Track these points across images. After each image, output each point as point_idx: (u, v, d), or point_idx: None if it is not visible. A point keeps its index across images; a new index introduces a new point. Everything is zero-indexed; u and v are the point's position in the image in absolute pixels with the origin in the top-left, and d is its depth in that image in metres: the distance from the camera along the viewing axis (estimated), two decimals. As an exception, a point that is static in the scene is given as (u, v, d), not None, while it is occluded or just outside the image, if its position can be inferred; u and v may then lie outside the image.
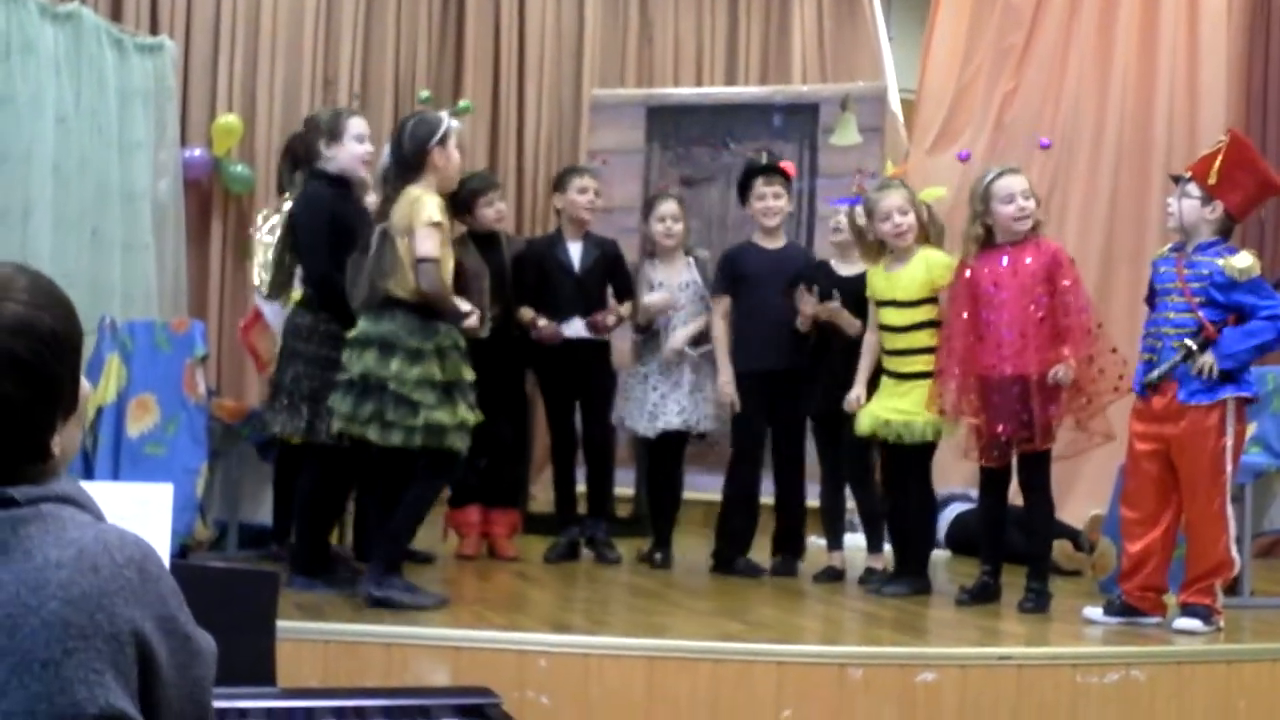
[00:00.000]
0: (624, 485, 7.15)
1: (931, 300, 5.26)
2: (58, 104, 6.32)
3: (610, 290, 6.18)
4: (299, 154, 5.32)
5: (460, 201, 6.01)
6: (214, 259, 7.95)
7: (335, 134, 5.06)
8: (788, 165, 6.21)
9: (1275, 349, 4.76)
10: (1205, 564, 4.66)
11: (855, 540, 5.95)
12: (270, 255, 5.42)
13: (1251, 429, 5.60)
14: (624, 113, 8.09)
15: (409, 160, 4.66)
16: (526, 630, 4.24)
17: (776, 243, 5.99)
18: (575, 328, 6.02)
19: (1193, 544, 4.71)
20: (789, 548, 5.96)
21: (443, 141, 4.68)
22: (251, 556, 5.61)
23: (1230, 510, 4.70)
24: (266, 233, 5.65)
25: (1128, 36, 7.81)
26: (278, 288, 5.28)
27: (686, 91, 8.45)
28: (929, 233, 5.37)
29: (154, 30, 7.68)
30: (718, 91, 8.42)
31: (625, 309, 6.10)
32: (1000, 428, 4.98)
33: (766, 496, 6.07)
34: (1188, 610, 4.62)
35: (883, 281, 5.36)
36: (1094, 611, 4.79)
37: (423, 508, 4.77)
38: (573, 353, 6.03)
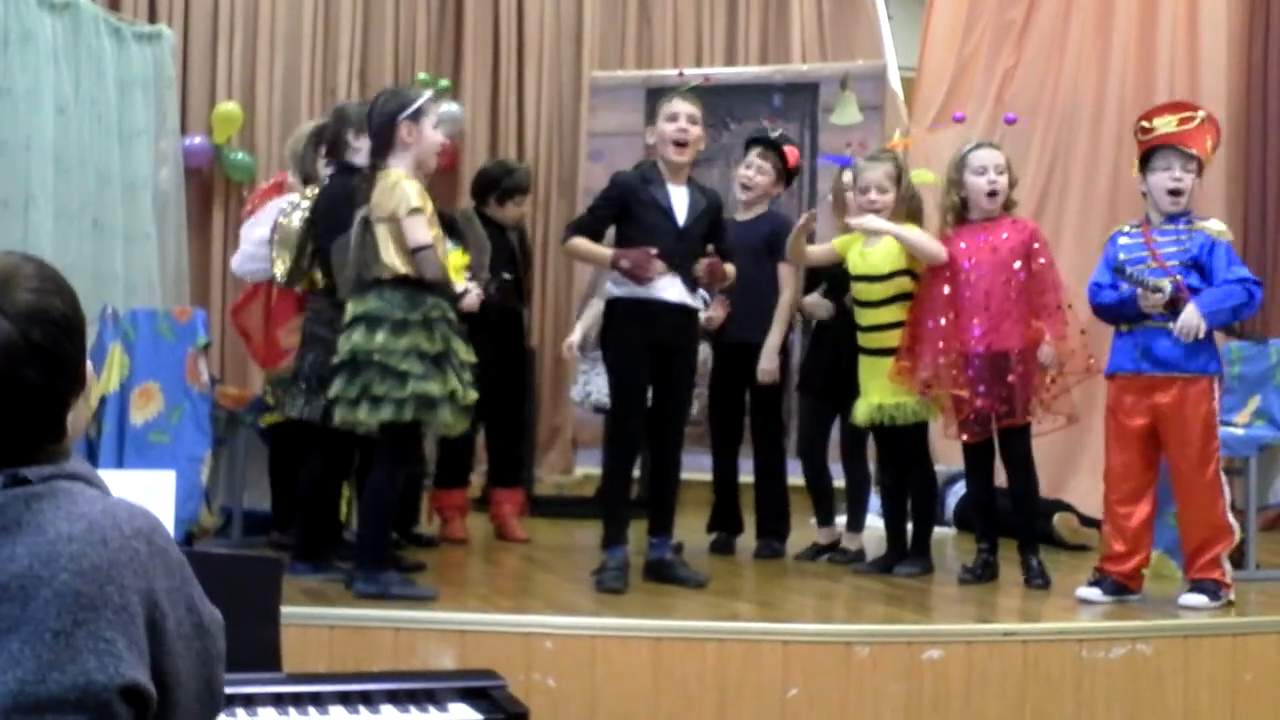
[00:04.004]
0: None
1: (905, 273, 5.23)
2: (57, 94, 6.32)
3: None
4: (327, 143, 5.25)
5: (496, 193, 6.02)
6: (215, 247, 7.95)
7: (364, 126, 5.03)
8: (791, 150, 6.02)
9: (1246, 314, 4.77)
10: (1203, 533, 4.64)
11: (871, 520, 5.92)
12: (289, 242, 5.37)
13: (1255, 401, 5.62)
14: (624, 95, 8.08)
15: (377, 133, 4.59)
16: (532, 613, 4.25)
17: (750, 214, 5.83)
18: (671, 288, 4.91)
19: (1189, 515, 4.69)
20: (772, 530, 5.88)
21: (414, 117, 4.56)
22: (256, 543, 5.62)
23: (1224, 477, 4.70)
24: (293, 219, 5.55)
25: (1127, 11, 7.78)
26: (297, 275, 5.25)
27: (686, 72, 8.41)
28: (907, 209, 5.32)
29: (152, 19, 7.68)
30: (717, 72, 8.39)
31: (731, 267, 5.13)
32: (980, 402, 5.00)
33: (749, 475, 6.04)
34: (1195, 586, 4.61)
35: (858, 256, 5.34)
36: (1090, 591, 4.74)
37: (389, 497, 4.61)
38: (663, 318, 4.92)
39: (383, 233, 4.48)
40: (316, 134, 5.39)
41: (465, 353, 4.59)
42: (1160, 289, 4.55)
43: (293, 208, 5.35)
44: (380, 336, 4.42)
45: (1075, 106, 7.82)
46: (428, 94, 4.75)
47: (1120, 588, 4.71)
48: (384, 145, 4.57)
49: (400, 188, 4.47)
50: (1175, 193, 4.69)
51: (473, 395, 4.60)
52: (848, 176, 5.56)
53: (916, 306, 5.17)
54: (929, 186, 5.62)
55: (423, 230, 4.46)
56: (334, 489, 5.18)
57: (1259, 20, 7.79)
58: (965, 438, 5.14)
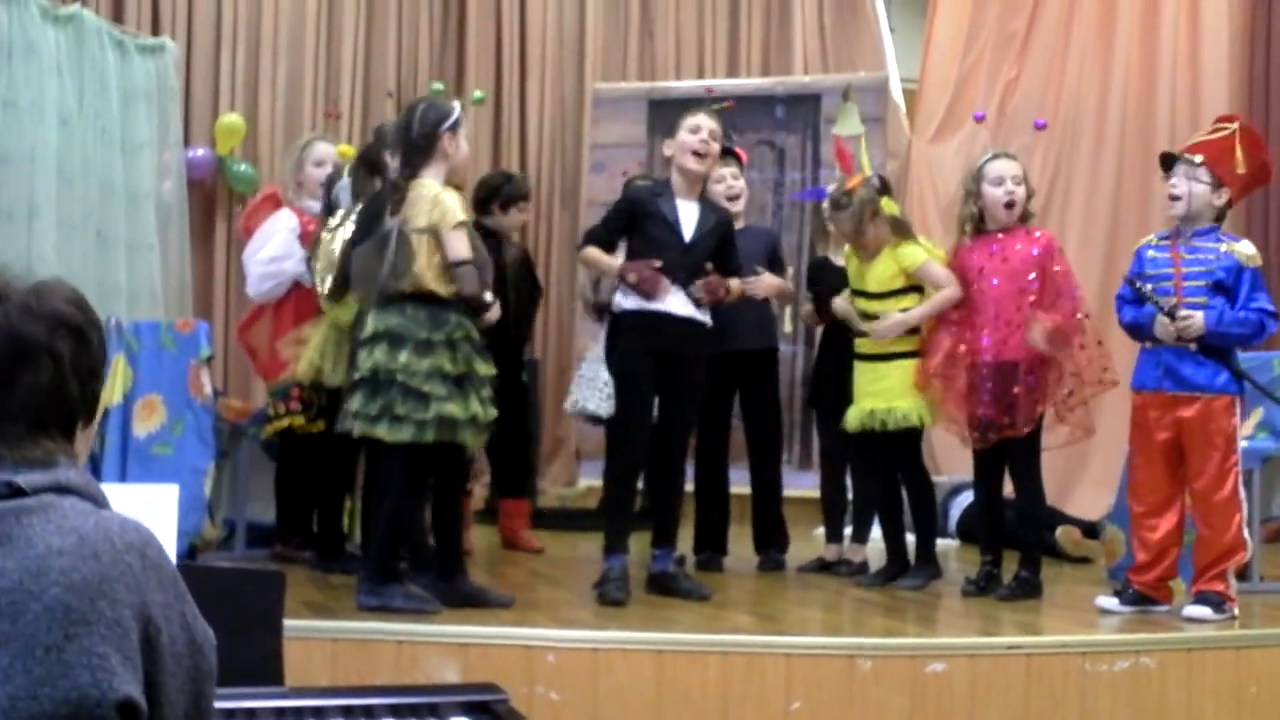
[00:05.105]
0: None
1: (903, 291, 5.23)
2: (60, 106, 6.33)
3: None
4: (373, 164, 5.26)
5: (499, 200, 6.01)
6: (218, 259, 7.95)
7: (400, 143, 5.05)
8: (739, 150, 6.07)
9: (1252, 344, 4.76)
10: (1217, 548, 4.65)
11: (875, 532, 5.91)
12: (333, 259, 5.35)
13: (1259, 414, 5.61)
14: (626, 106, 8.10)
15: (417, 144, 4.53)
16: (535, 626, 4.24)
17: (737, 225, 5.69)
18: (678, 301, 4.92)
19: (1204, 529, 4.69)
20: (773, 541, 5.86)
21: (454, 129, 4.56)
22: (259, 556, 5.62)
23: (1243, 493, 4.70)
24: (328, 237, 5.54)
25: (1129, 22, 7.80)
26: (338, 292, 5.23)
27: (688, 84, 8.44)
28: (892, 231, 5.26)
29: (155, 31, 7.68)
30: (720, 84, 8.41)
31: (735, 284, 5.12)
32: (983, 410, 4.99)
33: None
34: (1199, 598, 4.62)
35: (855, 271, 5.36)
36: (1109, 601, 4.77)
37: (404, 512, 4.59)
38: (668, 329, 4.93)
39: (419, 244, 4.44)
40: (364, 157, 5.38)
41: (485, 369, 4.55)
42: (1173, 314, 4.55)
43: (335, 225, 5.35)
44: (403, 356, 4.38)
45: (1077, 117, 7.83)
46: (458, 105, 4.73)
47: (1142, 598, 4.72)
48: (423, 156, 4.53)
49: (443, 200, 4.45)
50: (1173, 198, 4.73)
51: (493, 413, 4.56)
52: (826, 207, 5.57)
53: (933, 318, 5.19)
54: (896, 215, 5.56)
55: (464, 245, 4.45)
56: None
57: (1260, 29, 7.80)
58: (973, 446, 5.14)
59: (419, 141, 4.53)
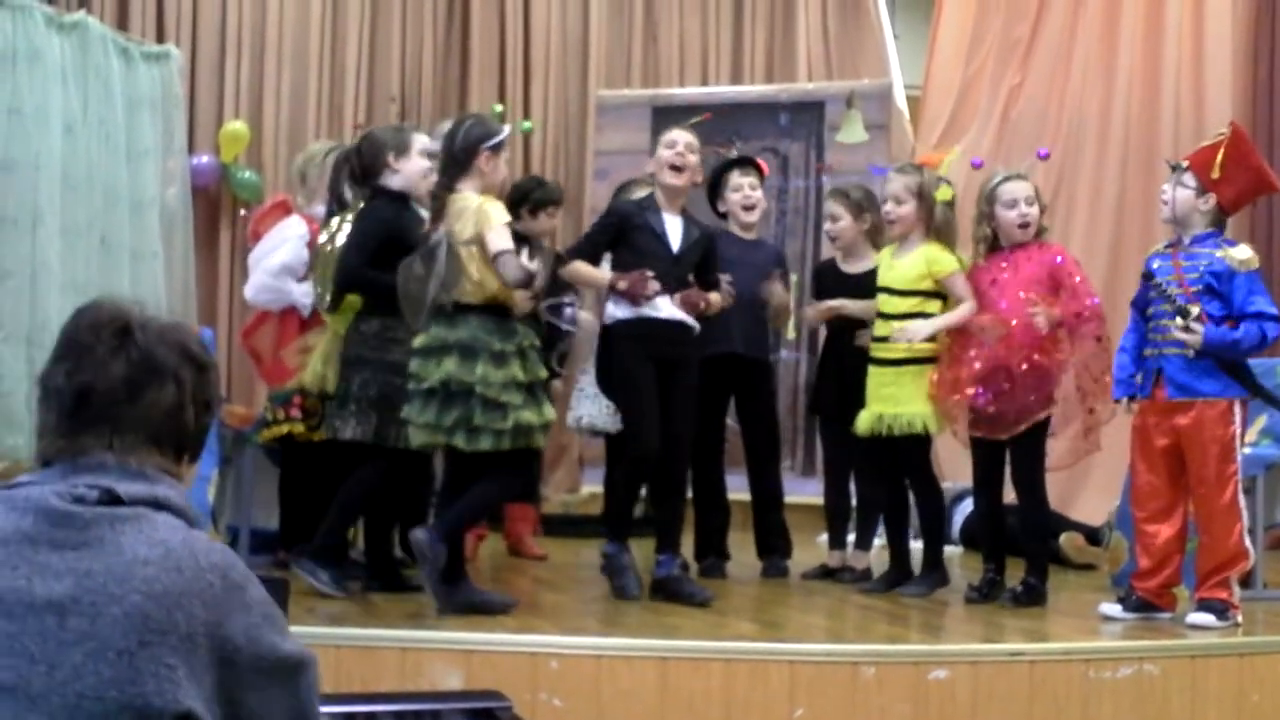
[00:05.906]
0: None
1: (925, 294, 5.23)
2: (65, 113, 6.33)
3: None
4: (354, 170, 5.25)
5: (530, 204, 6.04)
6: (222, 266, 7.97)
7: (403, 149, 5.06)
8: (761, 162, 6.12)
9: (1254, 353, 4.76)
10: (1219, 557, 4.65)
11: (878, 539, 5.91)
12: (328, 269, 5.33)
13: (1262, 421, 5.61)
14: (630, 114, 8.10)
15: (457, 157, 4.63)
16: (539, 632, 4.25)
17: (752, 233, 5.88)
18: (668, 308, 5.03)
19: (1205, 537, 4.70)
20: (775, 547, 5.86)
21: (495, 149, 4.66)
22: (262, 562, 5.62)
23: (1243, 501, 4.70)
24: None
25: (1133, 29, 7.80)
26: (339, 300, 5.22)
27: (692, 91, 8.45)
28: (934, 229, 5.29)
29: (160, 38, 7.70)
30: (723, 91, 8.42)
31: (715, 297, 5.20)
32: (982, 400, 5.00)
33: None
34: (1202, 605, 4.62)
35: (886, 267, 5.36)
36: (1112, 608, 4.78)
37: (492, 503, 4.92)
38: (661, 334, 5.03)
39: (469, 255, 4.52)
40: (346, 160, 5.34)
41: (544, 372, 4.71)
42: (1185, 313, 4.57)
43: (331, 234, 5.33)
44: (480, 368, 4.46)
45: (1081, 124, 7.83)
46: (507, 129, 4.83)
47: (1146, 605, 4.73)
48: (460, 170, 4.63)
49: (485, 209, 4.54)
50: (1162, 204, 4.80)
51: (554, 415, 4.74)
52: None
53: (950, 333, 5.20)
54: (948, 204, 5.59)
55: (504, 238, 4.51)
56: (387, 506, 5.15)
57: (1264, 37, 7.80)
58: (973, 433, 5.13)
59: (459, 155, 4.64)
